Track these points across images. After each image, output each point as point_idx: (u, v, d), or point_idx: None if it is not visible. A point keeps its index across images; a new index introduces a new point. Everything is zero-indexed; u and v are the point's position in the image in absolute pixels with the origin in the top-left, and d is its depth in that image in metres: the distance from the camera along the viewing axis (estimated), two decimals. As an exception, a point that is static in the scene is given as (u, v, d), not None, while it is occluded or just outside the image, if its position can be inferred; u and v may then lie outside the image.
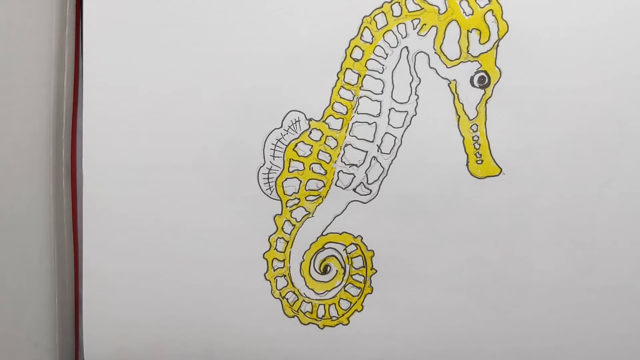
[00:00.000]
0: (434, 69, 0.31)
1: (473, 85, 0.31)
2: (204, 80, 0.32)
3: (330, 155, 0.32)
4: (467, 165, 0.31)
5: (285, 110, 0.32)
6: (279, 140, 0.32)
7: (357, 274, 0.32)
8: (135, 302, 0.33)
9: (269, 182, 0.32)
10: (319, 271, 0.33)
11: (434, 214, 0.32)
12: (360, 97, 0.31)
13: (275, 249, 0.32)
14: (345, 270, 0.32)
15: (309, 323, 0.33)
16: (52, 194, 0.33)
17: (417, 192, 0.32)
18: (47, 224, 0.32)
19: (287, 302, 0.33)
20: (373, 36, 0.31)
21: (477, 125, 0.31)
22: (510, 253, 0.31)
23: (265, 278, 0.33)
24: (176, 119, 0.32)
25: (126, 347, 0.33)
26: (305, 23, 0.31)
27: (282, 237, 0.32)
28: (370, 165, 0.32)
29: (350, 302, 0.33)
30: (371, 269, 0.32)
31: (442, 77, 0.31)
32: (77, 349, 0.35)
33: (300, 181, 0.32)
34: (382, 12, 0.31)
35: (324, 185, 0.32)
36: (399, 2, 0.31)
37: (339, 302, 0.33)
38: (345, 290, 0.33)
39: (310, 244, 0.32)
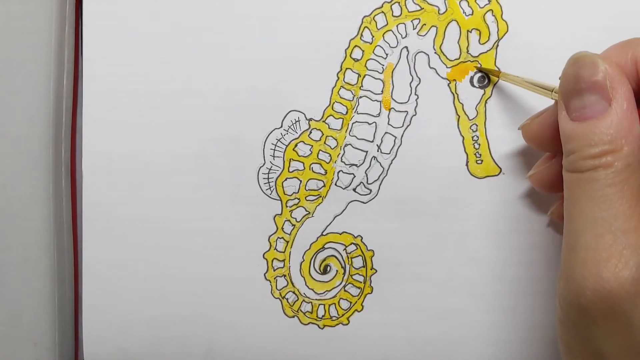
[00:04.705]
0: (434, 69, 0.31)
1: (473, 85, 0.31)
2: (204, 80, 0.32)
3: (330, 155, 0.32)
4: (466, 165, 0.31)
5: (285, 110, 0.32)
6: (279, 140, 0.32)
7: (357, 274, 0.32)
8: (136, 302, 0.33)
9: (268, 182, 0.32)
10: (319, 271, 0.33)
11: (434, 214, 0.32)
12: (360, 97, 0.32)
13: (275, 249, 0.32)
14: (345, 270, 0.32)
15: (309, 323, 0.33)
16: (51, 193, 0.33)
17: (417, 191, 0.32)
18: (46, 224, 0.32)
19: (287, 302, 0.33)
20: (373, 36, 0.31)
21: (477, 125, 0.31)
22: (510, 253, 0.31)
23: (265, 278, 0.33)
24: (176, 118, 0.32)
25: (126, 347, 0.33)
26: (305, 23, 0.31)
27: (282, 237, 0.32)
28: (370, 165, 0.32)
29: (350, 302, 0.33)
30: (371, 269, 0.32)
31: (442, 77, 0.31)
32: (77, 349, 0.35)
33: (300, 181, 0.32)
34: (382, 12, 0.31)
35: (324, 185, 0.32)
36: (399, 2, 0.31)
37: (339, 302, 0.33)
38: (345, 290, 0.33)
39: (310, 244, 0.32)
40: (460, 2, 0.31)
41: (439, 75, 0.31)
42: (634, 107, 0.22)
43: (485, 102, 0.31)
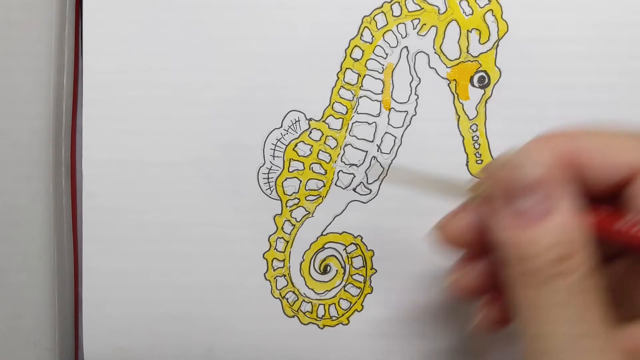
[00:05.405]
0: (434, 68, 0.31)
1: (473, 85, 0.31)
2: (203, 79, 0.32)
3: (330, 155, 0.32)
4: (466, 165, 0.31)
5: (285, 110, 0.32)
6: (279, 140, 0.32)
7: (357, 273, 0.32)
8: (136, 302, 0.33)
9: (268, 182, 0.32)
10: (318, 271, 0.33)
11: (434, 214, 0.31)
12: (360, 97, 0.32)
13: (275, 248, 0.32)
14: (345, 270, 0.32)
15: (309, 323, 0.33)
16: (51, 192, 0.32)
17: (417, 192, 0.31)
18: (46, 223, 0.32)
19: (287, 302, 0.33)
20: (373, 36, 0.31)
21: (477, 125, 0.31)
22: (510, 253, 0.31)
23: (265, 278, 0.33)
24: (176, 118, 0.32)
25: (126, 347, 0.33)
26: (304, 23, 0.31)
27: (282, 237, 0.32)
28: (370, 165, 0.32)
29: (350, 302, 0.32)
30: (371, 269, 0.32)
31: (442, 77, 0.31)
32: (76, 349, 0.35)
33: (300, 181, 0.32)
34: (382, 12, 0.31)
35: (324, 185, 0.32)
36: (399, 2, 0.31)
37: (338, 302, 0.33)
38: (345, 290, 0.33)
39: (310, 244, 0.32)
40: (460, 2, 0.31)
41: (439, 75, 0.31)
42: (578, 205, 0.20)
43: (485, 102, 0.31)
